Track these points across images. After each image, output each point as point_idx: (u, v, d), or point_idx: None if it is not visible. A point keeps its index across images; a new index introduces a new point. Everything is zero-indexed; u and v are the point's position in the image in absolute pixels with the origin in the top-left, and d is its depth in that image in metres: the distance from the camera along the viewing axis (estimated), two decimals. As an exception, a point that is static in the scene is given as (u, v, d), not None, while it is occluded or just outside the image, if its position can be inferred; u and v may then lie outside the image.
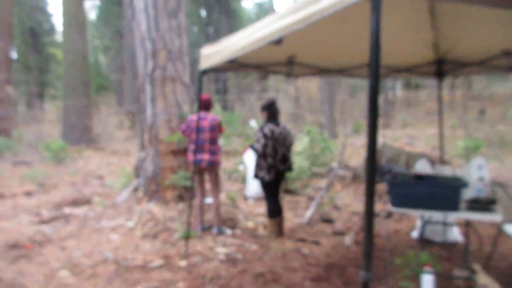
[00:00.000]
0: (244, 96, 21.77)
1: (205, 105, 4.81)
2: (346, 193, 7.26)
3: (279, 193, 4.72)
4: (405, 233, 4.82)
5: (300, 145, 8.58)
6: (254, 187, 6.22)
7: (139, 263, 3.94)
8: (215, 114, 5.20)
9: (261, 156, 4.49)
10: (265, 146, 4.44)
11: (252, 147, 4.59)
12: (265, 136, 4.44)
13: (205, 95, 4.82)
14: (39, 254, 4.27)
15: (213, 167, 4.76)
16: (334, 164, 8.34)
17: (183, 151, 5.67)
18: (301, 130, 16.66)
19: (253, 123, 5.84)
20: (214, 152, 4.76)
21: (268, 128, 4.48)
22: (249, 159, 6.09)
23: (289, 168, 4.67)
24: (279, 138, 4.53)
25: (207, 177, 4.98)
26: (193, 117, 4.81)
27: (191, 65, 5.97)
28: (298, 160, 7.68)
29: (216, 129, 4.78)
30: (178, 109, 5.66)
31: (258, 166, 4.56)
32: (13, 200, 6.75)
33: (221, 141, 4.97)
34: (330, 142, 8.26)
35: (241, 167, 6.25)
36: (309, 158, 7.96)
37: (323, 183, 7.83)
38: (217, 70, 4.26)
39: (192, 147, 4.65)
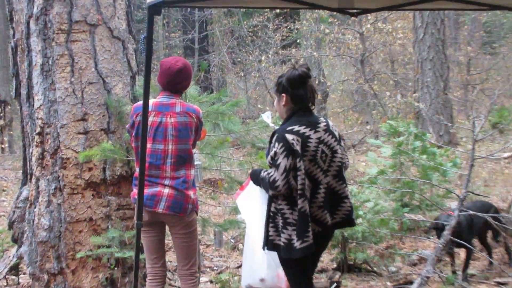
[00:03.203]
0: (245, 58, 21.65)
1: (173, 82, 5.01)
2: (481, 268, 7.19)
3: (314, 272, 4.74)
4: None
5: (374, 163, 8.62)
6: (257, 269, 6.14)
7: None
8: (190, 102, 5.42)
9: (282, 197, 4.57)
10: (288, 173, 4.46)
11: (256, 176, 4.75)
12: (288, 151, 4.47)
13: (173, 61, 5.03)
14: None
15: (180, 215, 4.91)
16: (453, 204, 8.24)
17: (117, 182, 5.88)
18: (375, 129, 16.70)
19: (268, 117, 6.09)
20: (183, 182, 4.93)
21: (293, 133, 4.53)
22: (249, 206, 5.90)
23: (348, 221, 4.81)
24: (318, 154, 4.61)
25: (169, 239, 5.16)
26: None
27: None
28: (371, 198, 7.66)
29: (191, 135, 4.99)
30: (103, 90, 5.85)
31: (275, 221, 4.64)
32: None
33: (197, 159, 5.12)
34: (441, 153, 8.29)
35: (242, 218, 6.17)
36: (396, 193, 7.98)
37: (428, 246, 7.74)
38: (184, 3, 4.22)
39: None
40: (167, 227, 5.07)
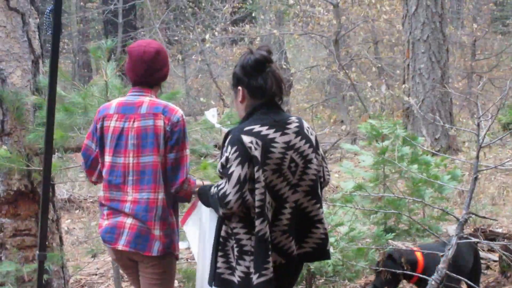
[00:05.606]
0: (184, 37, 21.92)
1: (151, 72, 5.01)
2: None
3: None
4: None
5: (350, 175, 8.97)
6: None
7: None
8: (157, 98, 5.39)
9: (236, 217, 4.59)
10: (243, 185, 4.47)
11: (205, 194, 4.81)
12: (244, 157, 4.50)
13: (145, 44, 5.07)
14: None
15: (145, 254, 4.92)
16: (450, 229, 8.53)
17: (14, 200, 6.15)
18: (352, 130, 16.73)
19: (213, 115, 6.64)
20: (144, 211, 4.92)
21: (252, 134, 4.55)
22: (199, 235, 5.99)
23: (321, 252, 4.84)
24: (286, 163, 4.63)
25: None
26: (106, 107, 5.12)
27: None
28: (345, 220, 7.74)
29: (157, 143, 4.91)
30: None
31: (225, 250, 4.70)
32: None
33: (192, 177, 5.25)
34: (436, 163, 8.42)
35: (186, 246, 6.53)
36: (378, 214, 8.14)
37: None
38: None
39: (103, 193, 5.07)
40: None
